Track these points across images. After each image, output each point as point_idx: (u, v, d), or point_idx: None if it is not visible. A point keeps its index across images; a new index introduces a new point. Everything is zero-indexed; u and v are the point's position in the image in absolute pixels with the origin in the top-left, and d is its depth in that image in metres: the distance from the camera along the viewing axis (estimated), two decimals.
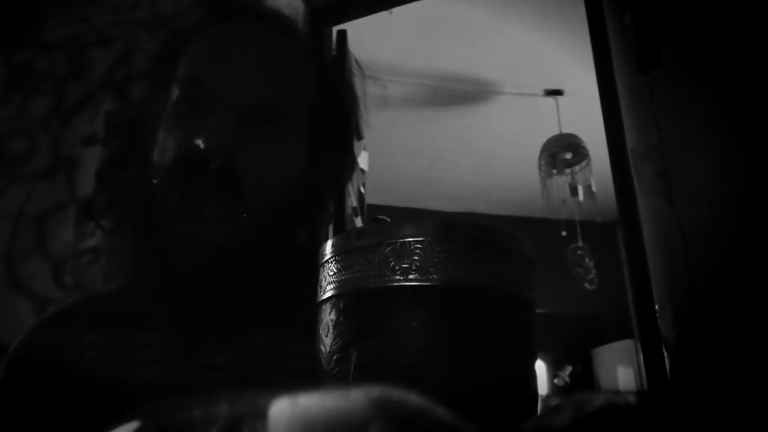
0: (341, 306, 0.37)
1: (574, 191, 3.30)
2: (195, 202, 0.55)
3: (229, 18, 0.65)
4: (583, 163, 3.23)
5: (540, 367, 4.08)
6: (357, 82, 0.70)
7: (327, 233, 1.85)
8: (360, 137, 0.71)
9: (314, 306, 0.40)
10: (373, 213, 2.29)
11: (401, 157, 3.99)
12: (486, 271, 0.36)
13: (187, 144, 0.56)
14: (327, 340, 0.37)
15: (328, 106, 0.66)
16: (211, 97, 0.58)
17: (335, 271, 0.39)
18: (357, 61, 0.70)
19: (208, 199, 0.55)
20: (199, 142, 0.55)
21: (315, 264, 0.40)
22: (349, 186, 1.97)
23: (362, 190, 2.26)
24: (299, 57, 0.65)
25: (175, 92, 0.61)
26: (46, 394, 0.57)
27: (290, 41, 0.66)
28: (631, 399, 0.25)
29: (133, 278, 0.64)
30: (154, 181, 0.60)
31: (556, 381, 4.43)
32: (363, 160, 2.28)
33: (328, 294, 0.38)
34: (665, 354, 1.29)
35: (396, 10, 2.11)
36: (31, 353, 0.63)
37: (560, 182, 3.32)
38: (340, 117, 0.68)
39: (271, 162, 0.59)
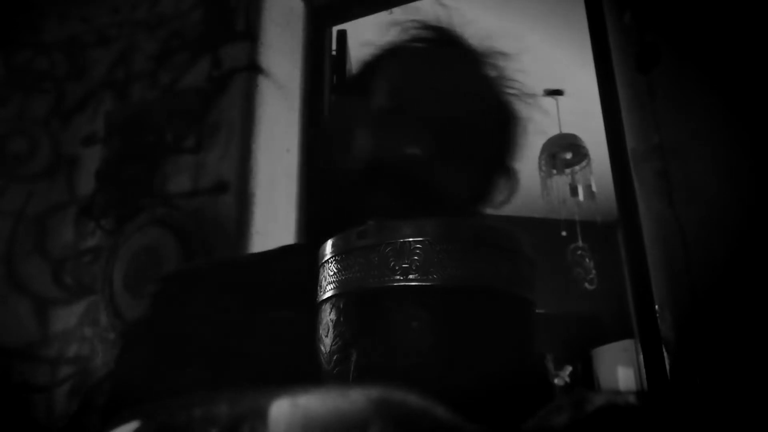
0: (341, 306, 0.37)
1: (574, 191, 3.29)
2: (387, 202, 0.60)
3: (427, 41, 0.71)
4: (583, 163, 3.23)
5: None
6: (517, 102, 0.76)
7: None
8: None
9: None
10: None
11: None
12: (486, 271, 0.36)
13: (388, 150, 0.62)
14: (327, 340, 0.37)
15: (495, 124, 0.71)
16: (418, 111, 0.64)
17: (335, 271, 0.38)
18: (513, 80, 0.75)
19: (401, 202, 0.59)
20: (402, 150, 0.60)
21: None
22: None
23: None
24: (486, 80, 0.71)
25: (381, 102, 0.66)
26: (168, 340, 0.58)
27: (479, 66, 0.72)
28: (631, 399, 0.25)
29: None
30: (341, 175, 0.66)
31: (556, 381, 4.43)
32: None
33: (328, 294, 0.38)
34: (665, 354, 1.29)
35: (396, 10, 2.11)
36: (169, 291, 0.64)
37: (560, 182, 3.32)
38: (503, 136, 0.73)
39: (464, 177, 0.65)
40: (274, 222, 1.74)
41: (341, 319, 0.37)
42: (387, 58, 0.71)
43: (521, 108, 0.74)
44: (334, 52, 2.04)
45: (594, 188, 3.23)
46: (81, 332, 1.78)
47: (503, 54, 0.74)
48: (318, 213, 0.72)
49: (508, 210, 0.77)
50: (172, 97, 1.90)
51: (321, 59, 2.02)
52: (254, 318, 0.59)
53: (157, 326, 0.60)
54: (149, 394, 0.54)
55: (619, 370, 4.26)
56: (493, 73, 0.73)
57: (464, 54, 0.71)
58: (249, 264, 0.72)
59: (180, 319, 0.59)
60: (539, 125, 0.76)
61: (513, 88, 0.74)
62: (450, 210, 0.63)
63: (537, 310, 0.40)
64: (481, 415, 0.25)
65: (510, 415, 0.33)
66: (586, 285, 3.61)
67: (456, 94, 0.66)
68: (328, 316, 0.38)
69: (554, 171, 3.26)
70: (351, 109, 0.71)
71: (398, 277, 0.36)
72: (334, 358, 0.37)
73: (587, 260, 3.66)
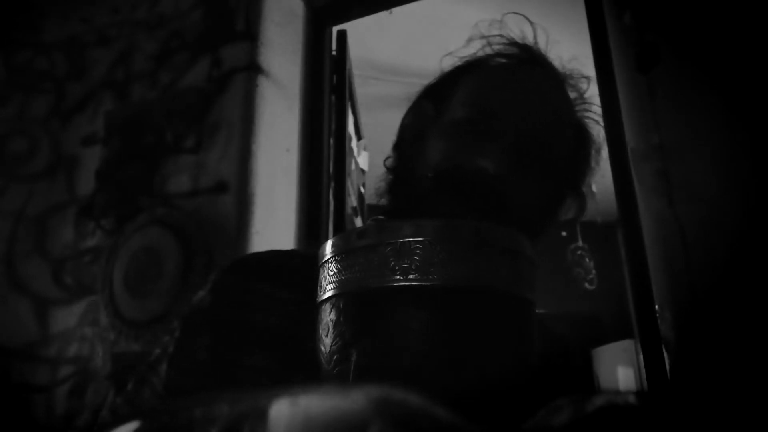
0: (341, 306, 0.37)
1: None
2: (457, 211, 0.61)
3: (510, 57, 0.73)
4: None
5: None
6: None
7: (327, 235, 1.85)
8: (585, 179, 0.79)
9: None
10: (373, 213, 2.29)
11: None
12: (486, 271, 0.36)
13: (466, 161, 0.63)
14: (327, 340, 0.37)
15: (570, 144, 0.72)
16: (495, 125, 0.65)
17: (335, 271, 0.39)
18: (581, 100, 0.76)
19: (469, 213, 0.61)
20: (481, 163, 0.62)
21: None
22: (349, 186, 1.98)
23: (362, 190, 2.27)
24: (565, 101, 0.73)
25: (458, 113, 0.67)
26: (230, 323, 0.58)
27: (560, 86, 0.73)
28: (631, 399, 0.25)
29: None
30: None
31: None
32: (363, 160, 2.28)
33: (328, 294, 0.38)
34: (665, 354, 1.29)
35: (396, 10, 2.11)
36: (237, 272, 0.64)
37: None
38: (576, 157, 0.75)
39: (534, 193, 0.66)
40: (274, 222, 1.74)
41: (341, 319, 0.37)
42: (468, 71, 0.72)
43: (596, 132, 0.76)
44: (334, 52, 2.04)
45: (594, 188, 3.23)
46: (81, 332, 1.78)
47: (585, 77, 0.75)
48: (392, 214, 0.72)
49: None
50: (172, 97, 1.90)
51: (321, 59, 2.02)
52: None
53: (220, 314, 0.59)
54: (210, 383, 0.54)
55: (619, 370, 4.26)
56: (572, 95, 0.74)
57: (545, 73, 0.72)
58: (310, 256, 0.71)
59: (244, 307, 0.59)
60: None
61: (590, 111, 0.76)
62: (516, 223, 0.63)
63: (537, 310, 0.40)
64: (481, 415, 0.25)
65: (510, 415, 0.33)
66: (586, 285, 3.61)
67: (534, 112, 0.66)
68: (328, 316, 0.38)
69: None
70: (427, 118, 0.72)
71: (398, 277, 0.36)
72: (334, 358, 0.37)
73: (587, 260, 3.66)
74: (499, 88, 0.68)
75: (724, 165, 1.29)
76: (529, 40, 0.74)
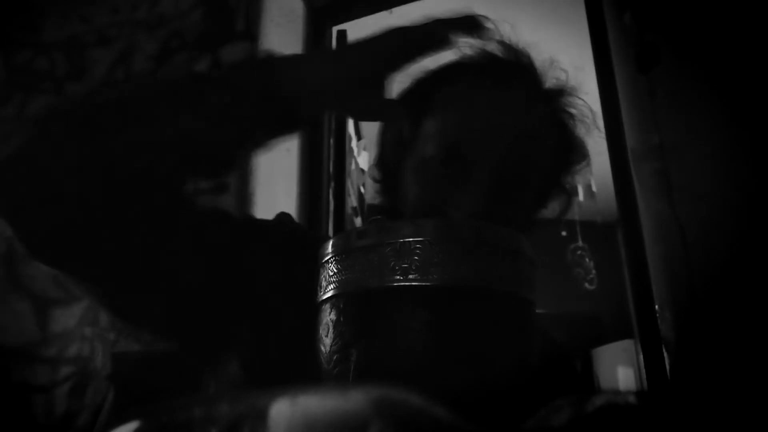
0: (341, 306, 0.37)
1: (574, 191, 3.28)
2: None
3: (485, 65, 0.67)
4: (583, 163, 3.22)
5: None
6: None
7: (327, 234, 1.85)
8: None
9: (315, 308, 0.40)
10: (373, 213, 2.29)
11: None
12: (486, 271, 0.36)
13: (440, 206, 0.60)
14: (327, 340, 0.37)
15: (555, 155, 0.69)
16: (469, 167, 0.61)
17: (335, 271, 0.38)
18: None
19: None
20: (455, 210, 0.59)
21: None
22: (349, 186, 1.97)
23: (362, 190, 2.26)
24: (546, 123, 0.67)
25: (429, 149, 0.63)
26: None
27: (539, 106, 0.67)
28: (631, 399, 0.25)
29: None
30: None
31: None
32: (363, 160, 2.27)
33: (328, 294, 0.38)
34: (665, 354, 1.29)
35: (396, 10, 2.11)
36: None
37: None
38: (561, 164, 0.72)
39: (514, 208, 0.63)
40: None
41: (341, 319, 0.37)
42: (440, 84, 0.67)
43: (582, 131, 0.72)
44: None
45: (594, 188, 3.23)
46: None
47: (563, 69, 0.71)
48: (390, 214, 0.70)
49: None
50: None
51: None
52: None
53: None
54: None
55: (619, 370, 4.25)
56: (555, 104, 0.69)
57: (522, 81, 0.68)
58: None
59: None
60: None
61: (574, 104, 0.71)
62: None
63: (537, 310, 0.40)
64: (481, 415, 0.25)
65: (510, 415, 0.33)
66: (586, 285, 3.61)
67: (510, 146, 0.62)
68: (328, 316, 0.38)
69: None
70: (401, 144, 0.68)
71: (398, 277, 0.36)
72: (334, 358, 0.37)
73: (587, 260, 3.66)
74: (470, 123, 0.63)
75: (724, 165, 1.29)
76: (502, 35, 0.69)
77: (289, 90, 0.51)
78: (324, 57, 0.60)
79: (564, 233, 3.60)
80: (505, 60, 0.69)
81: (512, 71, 0.68)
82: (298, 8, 2.04)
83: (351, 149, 2.07)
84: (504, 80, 0.67)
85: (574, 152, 0.72)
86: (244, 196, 1.68)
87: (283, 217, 0.68)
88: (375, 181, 0.74)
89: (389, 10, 2.08)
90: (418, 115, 0.66)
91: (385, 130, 0.73)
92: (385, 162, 0.72)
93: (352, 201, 2.03)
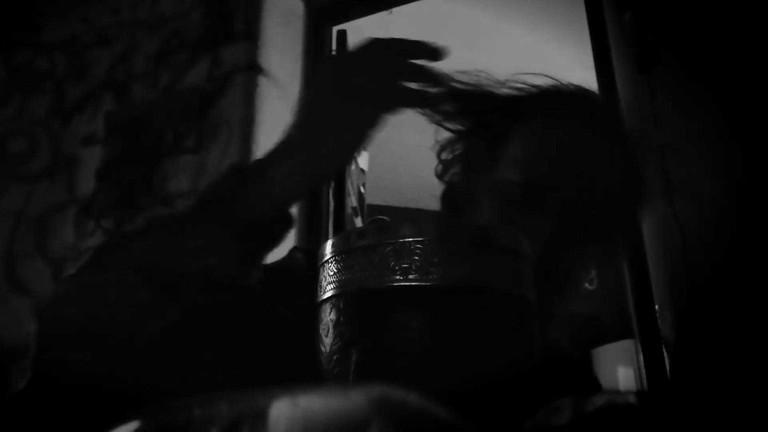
0: (341, 306, 0.37)
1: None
2: None
3: (569, 101, 0.69)
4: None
5: None
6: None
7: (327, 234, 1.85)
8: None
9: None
10: (373, 213, 2.29)
11: (401, 157, 3.99)
12: (486, 271, 0.36)
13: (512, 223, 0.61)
14: (327, 340, 0.37)
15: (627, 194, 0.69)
16: (545, 198, 0.62)
17: (335, 271, 0.38)
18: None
19: None
20: (529, 228, 0.58)
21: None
22: (349, 186, 1.97)
23: (362, 190, 2.26)
24: (624, 156, 0.68)
25: (511, 174, 0.64)
26: None
27: (620, 138, 0.69)
28: (631, 399, 0.25)
29: None
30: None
31: None
32: (363, 160, 2.28)
33: (328, 294, 0.38)
34: (665, 354, 1.29)
35: (396, 10, 2.11)
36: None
37: None
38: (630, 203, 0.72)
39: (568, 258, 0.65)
40: None
41: (341, 319, 0.37)
42: (526, 113, 0.67)
43: (649, 174, 0.72)
44: (334, 52, 2.04)
45: None
46: None
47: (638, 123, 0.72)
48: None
49: None
50: (172, 97, 1.90)
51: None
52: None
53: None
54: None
55: (619, 370, 4.25)
56: (630, 147, 0.70)
57: (604, 123, 0.69)
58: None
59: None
60: None
61: (644, 159, 0.72)
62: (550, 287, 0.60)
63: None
64: (481, 415, 0.25)
65: (510, 415, 0.33)
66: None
67: (587, 184, 0.63)
68: (328, 316, 0.38)
69: None
70: (479, 166, 0.68)
71: (398, 277, 0.36)
72: (334, 358, 0.37)
73: None
74: (554, 156, 0.64)
75: (724, 165, 1.29)
76: (583, 87, 0.71)
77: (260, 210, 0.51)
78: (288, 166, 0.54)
79: None
80: (589, 96, 0.71)
81: (597, 110, 0.70)
82: (298, 8, 2.04)
83: None
84: (591, 117, 0.68)
85: (636, 205, 0.73)
86: None
87: (294, 253, 0.68)
88: (442, 201, 0.74)
89: (389, 11, 2.08)
90: (500, 136, 0.67)
91: (451, 147, 0.74)
92: (451, 183, 0.73)
93: (352, 201, 2.03)
